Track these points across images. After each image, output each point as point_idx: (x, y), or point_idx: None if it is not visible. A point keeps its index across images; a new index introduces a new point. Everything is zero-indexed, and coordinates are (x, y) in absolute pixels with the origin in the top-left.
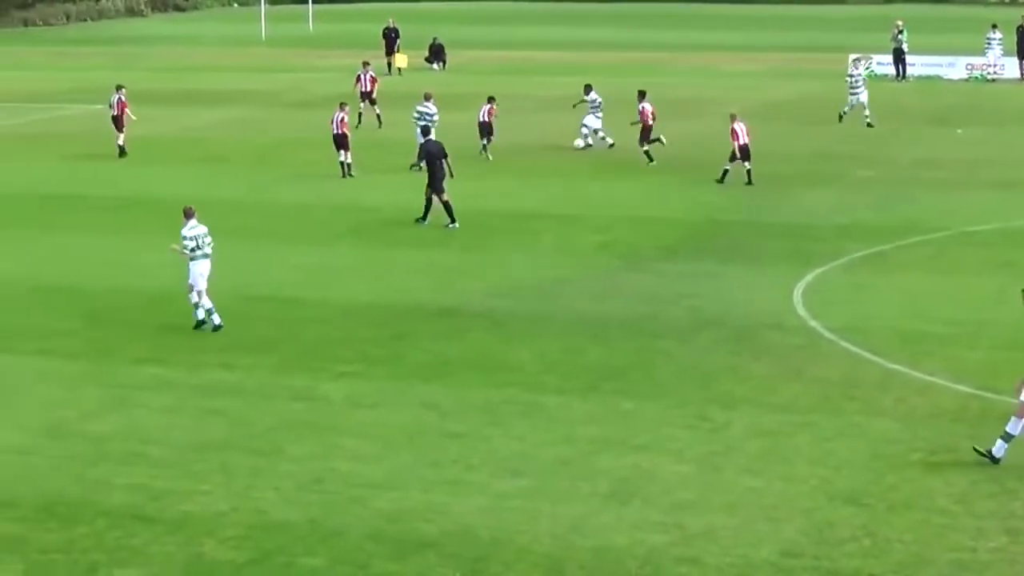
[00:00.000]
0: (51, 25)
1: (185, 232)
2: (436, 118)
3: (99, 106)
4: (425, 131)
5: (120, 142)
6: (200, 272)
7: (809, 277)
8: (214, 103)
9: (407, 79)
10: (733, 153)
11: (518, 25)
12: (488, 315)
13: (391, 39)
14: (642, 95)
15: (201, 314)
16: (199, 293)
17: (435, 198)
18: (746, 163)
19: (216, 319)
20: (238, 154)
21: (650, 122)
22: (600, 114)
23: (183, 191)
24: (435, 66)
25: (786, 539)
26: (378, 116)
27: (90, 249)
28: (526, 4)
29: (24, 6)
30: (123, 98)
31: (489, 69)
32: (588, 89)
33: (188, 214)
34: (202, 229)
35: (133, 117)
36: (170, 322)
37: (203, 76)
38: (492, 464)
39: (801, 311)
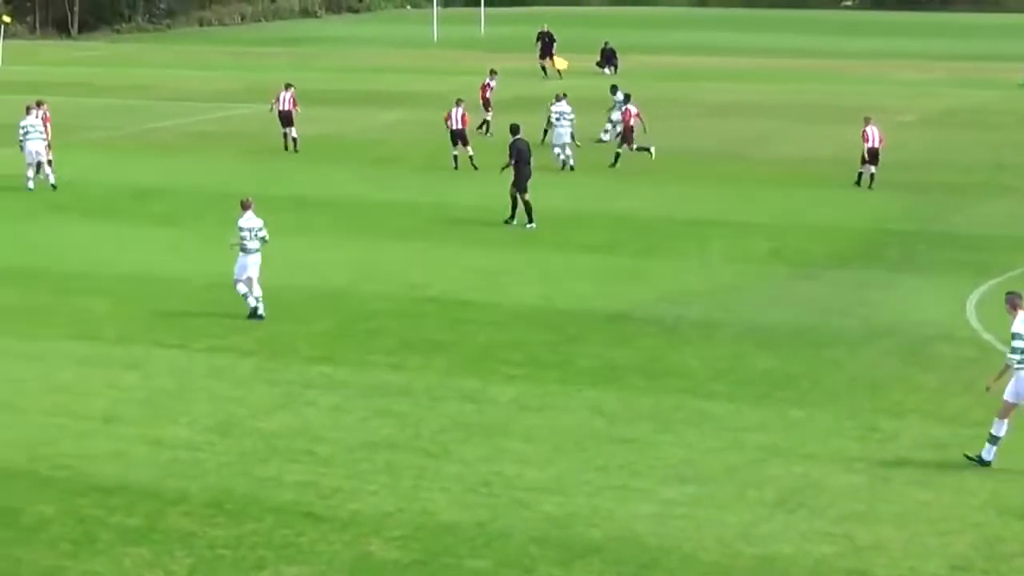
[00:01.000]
0: (226, 25)
1: (241, 223)
2: (572, 116)
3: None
4: (514, 130)
5: (294, 135)
6: (246, 264)
7: (983, 288)
8: (386, 104)
9: (567, 83)
10: (863, 156)
11: (690, 30)
12: (658, 321)
13: (546, 43)
14: (627, 98)
15: (253, 302)
16: (247, 282)
17: (518, 196)
18: (872, 167)
19: (261, 309)
20: (410, 155)
21: (631, 123)
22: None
23: (356, 191)
24: (606, 70)
25: (955, 553)
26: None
27: (264, 248)
28: (698, 9)
29: (201, 6)
30: (293, 96)
31: (660, 74)
32: (614, 89)
33: (245, 206)
34: (257, 222)
35: (298, 110)
36: (341, 321)
37: (376, 77)
38: (659, 470)
39: (974, 323)
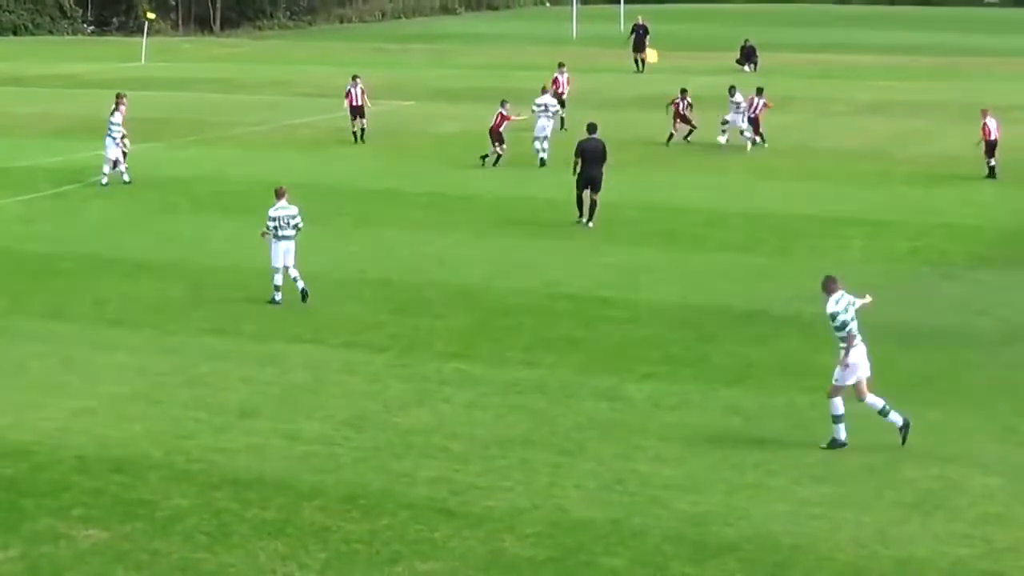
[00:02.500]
0: (366, 22)
1: (271, 212)
2: (556, 109)
3: (411, 102)
4: (590, 129)
5: (363, 125)
6: (280, 251)
7: None
8: (524, 101)
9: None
10: (984, 149)
11: (831, 27)
12: (794, 320)
13: (639, 36)
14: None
15: (279, 296)
16: (284, 270)
17: (587, 195)
18: (991, 159)
19: (279, 296)
20: (551, 154)
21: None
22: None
23: (492, 188)
24: (746, 68)
25: None
26: (561, 118)
27: (401, 243)
28: (840, 6)
29: (342, 3)
30: (362, 86)
31: (801, 72)
32: (732, 90)
33: (279, 194)
34: (291, 210)
35: (371, 105)
36: (477, 318)
37: (513, 75)
38: (795, 470)
39: None
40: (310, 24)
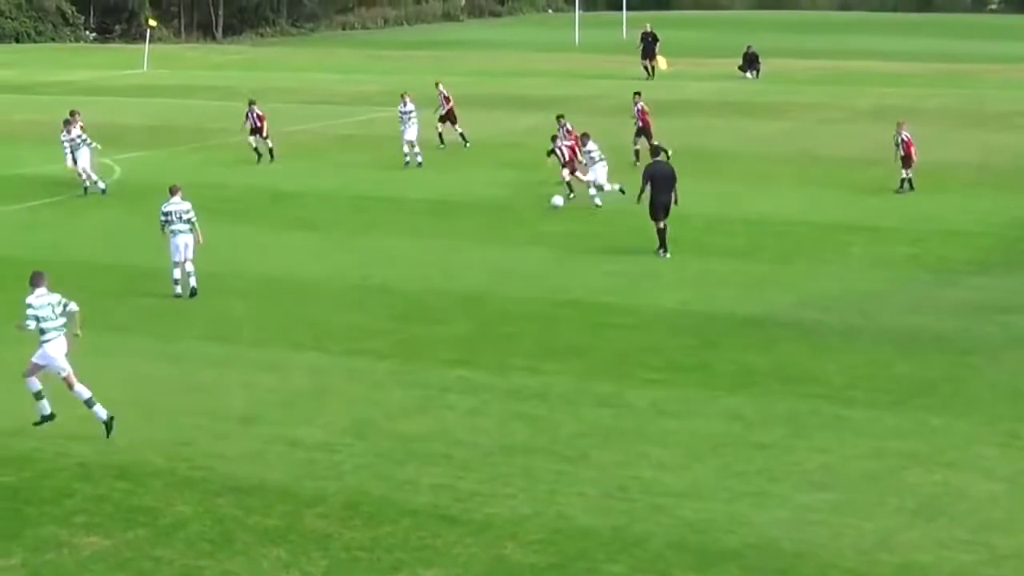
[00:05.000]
0: (368, 29)
1: (164, 207)
2: (412, 116)
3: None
4: (655, 151)
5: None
6: (180, 245)
7: None
8: (527, 108)
9: (672, 85)
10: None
11: (833, 34)
12: (796, 326)
13: (648, 43)
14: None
15: (179, 290)
16: (179, 265)
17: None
18: (906, 171)
19: (179, 289)
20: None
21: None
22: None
23: (494, 195)
24: (748, 75)
25: None
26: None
27: (402, 250)
28: (841, 13)
29: (344, 10)
30: (259, 111)
31: (803, 78)
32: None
33: (172, 191)
34: (184, 205)
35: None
36: (479, 325)
37: (516, 81)
38: (797, 476)
39: None
40: (312, 31)
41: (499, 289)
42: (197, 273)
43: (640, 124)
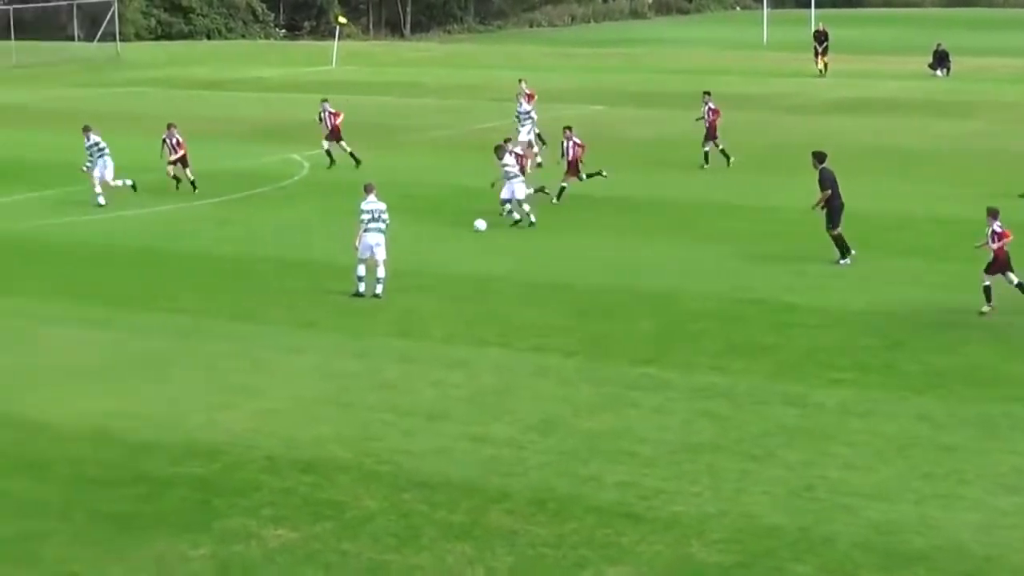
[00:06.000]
0: (555, 26)
1: (363, 206)
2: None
3: (600, 107)
4: (821, 158)
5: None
6: (370, 244)
7: None
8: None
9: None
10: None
11: None
12: (986, 328)
13: (820, 41)
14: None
15: (362, 288)
16: (370, 263)
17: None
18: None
19: (362, 287)
20: (736, 158)
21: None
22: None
23: (679, 193)
24: (938, 72)
25: None
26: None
27: (589, 247)
28: None
29: (531, 7)
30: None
31: (995, 77)
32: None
33: (368, 189)
34: (381, 205)
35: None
36: (665, 322)
37: (703, 80)
38: (988, 479)
39: None
40: (499, 28)
41: (683, 286)
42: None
43: (707, 126)
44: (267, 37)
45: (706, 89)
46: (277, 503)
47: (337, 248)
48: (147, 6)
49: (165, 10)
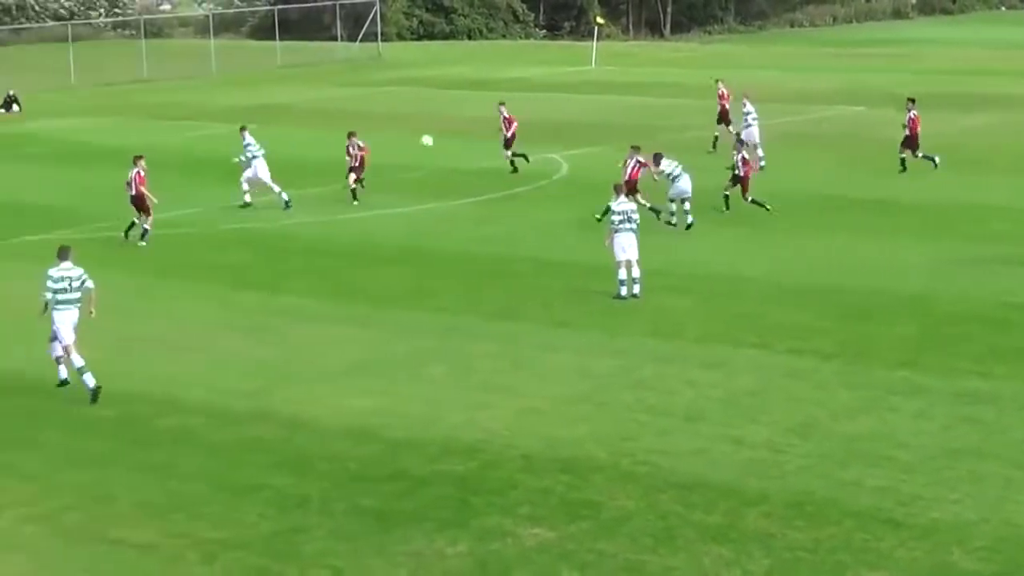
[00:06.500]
0: (817, 26)
1: (613, 206)
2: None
3: (860, 108)
4: None
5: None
6: (622, 244)
7: None
8: (975, 107)
9: None
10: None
11: None
12: None
13: None
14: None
15: (624, 291)
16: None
17: None
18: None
19: (624, 291)
20: (999, 159)
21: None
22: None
23: (942, 196)
24: None
25: None
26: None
27: (847, 249)
28: None
29: (792, 8)
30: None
31: None
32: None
33: (617, 190)
34: (630, 206)
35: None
36: (925, 325)
37: (965, 80)
38: None
39: None
40: (760, 28)
41: (943, 289)
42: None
43: (909, 133)
44: (527, 37)
45: (911, 96)
46: (534, 502)
47: (592, 248)
48: (409, 6)
49: (427, 10)
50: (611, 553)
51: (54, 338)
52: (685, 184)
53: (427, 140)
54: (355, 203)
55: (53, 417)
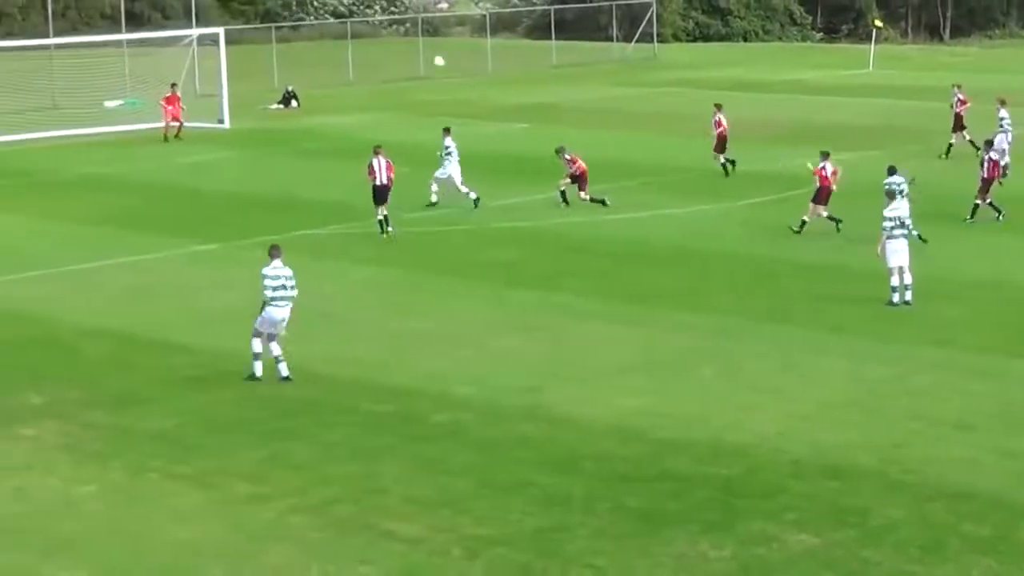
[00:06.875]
0: None
1: (886, 212)
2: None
3: None
4: None
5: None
6: (895, 250)
7: None
8: None
9: None
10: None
11: None
12: None
13: None
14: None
15: (896, 298)
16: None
17: None
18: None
19: (895, 298)
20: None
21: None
22: None
23: None
24: None
25: None
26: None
27: None
28: None
29: None
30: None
31: None
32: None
33: (891, 195)
34: (902, 212)
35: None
36: None
37: None
38: None
39: None
40: None
41: None
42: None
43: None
44: (804, 40)
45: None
46: (800, 507)
47: (861, 252)
48: (685, 8)
49: (703, 12)
50: (876, 561)
51: (257, 334)
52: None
53: (439, 60)
54: (563, 205)
55: (331, 410)
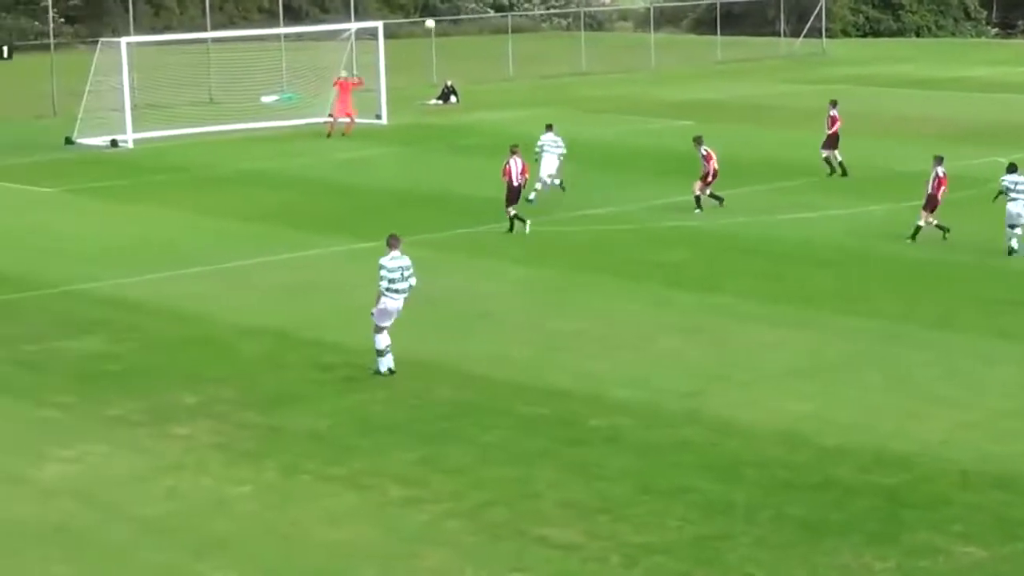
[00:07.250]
0: None
1: None
2: None
3: None
4: None
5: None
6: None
7: None
8: None
9: None
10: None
11: None
12: None
13: None
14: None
15: None
16: None
17: None
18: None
19: None
20: None
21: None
22: None
23: None
24: None
25: None
26: None
27: None
28: None
29: None
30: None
31: None
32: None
33: None
34: None
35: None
36: None
37: None
38: None
39: None
40: None
41: None
42: None
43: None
44: (978, 35)
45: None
46: (967, 519)
47: None
48: (855, 2)
49: (874, 7)
50: None
51: (378, 330)
52: (1014, 207)
53: (430, 23)
54: (698, 211)
55: (486, 412)
